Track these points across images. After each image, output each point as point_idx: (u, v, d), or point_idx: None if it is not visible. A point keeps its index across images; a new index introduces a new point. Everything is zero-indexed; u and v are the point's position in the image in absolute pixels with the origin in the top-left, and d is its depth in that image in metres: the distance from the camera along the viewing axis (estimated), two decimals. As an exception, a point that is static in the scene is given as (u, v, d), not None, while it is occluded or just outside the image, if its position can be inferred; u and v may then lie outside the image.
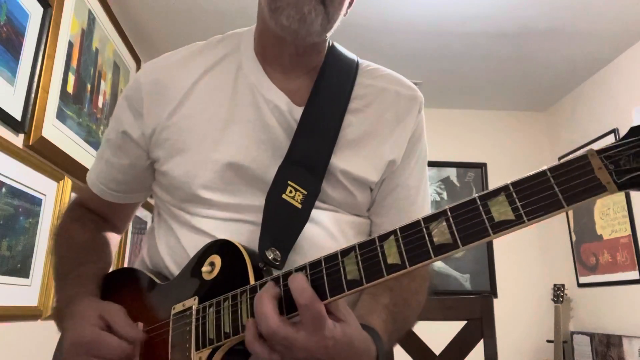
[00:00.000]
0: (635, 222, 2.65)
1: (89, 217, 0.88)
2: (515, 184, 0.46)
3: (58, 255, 0.85)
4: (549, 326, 3.02)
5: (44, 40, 1.65)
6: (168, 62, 0.80)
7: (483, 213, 0.47)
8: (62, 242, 0.85)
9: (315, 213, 0.72)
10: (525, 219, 0.45)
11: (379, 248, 0.52)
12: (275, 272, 0.60)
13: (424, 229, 0.50)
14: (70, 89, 1.85)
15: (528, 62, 2.89)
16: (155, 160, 0.78)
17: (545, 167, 0.46)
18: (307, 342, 0.52)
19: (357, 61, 0.84)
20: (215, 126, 0.74)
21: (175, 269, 0.74)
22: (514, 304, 3.17)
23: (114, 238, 0.91)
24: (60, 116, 1.77)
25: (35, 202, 1.63)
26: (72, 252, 0.83)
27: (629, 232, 2.68)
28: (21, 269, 1.55)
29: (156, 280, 0.75)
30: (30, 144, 1.59)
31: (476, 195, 0.48)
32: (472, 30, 2.59)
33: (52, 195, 1.74)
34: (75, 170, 1.90)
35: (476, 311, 1.21)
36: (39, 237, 1.65)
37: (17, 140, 1.55)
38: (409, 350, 1.18)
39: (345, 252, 0.54)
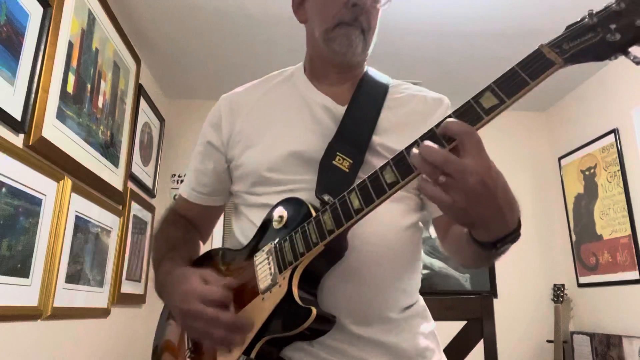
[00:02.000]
0: (635, 222, 2.65)
1: (182, 221, 1.08)
2: (495, 81, 0.64)
3: (156, 248, 1.05)
4: (549, 326, 3.02)
5: (44, 40, 1.65)
6: (238, 91, 1.07)
7: (476, 106, 0.64)
8: (160, 237, 1.06)
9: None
10: (506, 99, 0.62)
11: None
12: None
13: (434, 129, 0.65)
14: (70, 89, 1.85)
15: (528, 62, 2.89)
16: (231, 160, 0.99)
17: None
18: (475, 164, 0.60)
19: (389, 81, 1.04)
20: (275, 126, 0.96)
21: (244, 241, 0.92)
22: (514, 304, 3.17)
23: (199, 241, 1.10)
24: (60, 116, 1.77)
25: (35, 202, 1.63)
26: (168, 243, 1.02)
27: (629, 232, 2.68)
28: (21, 269, 1.55)
29: (234, 249, 0.94)
30: (30, 144, 1.59)
31: (470, 98, 0.64)
32: (472, 31, 2.60)
33: (52, 195, 1.73)
34: (75, 170, 1.90)
35: (476, 311, 1.21)
36: (39, 237, 1.65)
37: (17, 140, 1.55)
38: (409, 350, 1.18)
39: (383, 166, 0.69)
